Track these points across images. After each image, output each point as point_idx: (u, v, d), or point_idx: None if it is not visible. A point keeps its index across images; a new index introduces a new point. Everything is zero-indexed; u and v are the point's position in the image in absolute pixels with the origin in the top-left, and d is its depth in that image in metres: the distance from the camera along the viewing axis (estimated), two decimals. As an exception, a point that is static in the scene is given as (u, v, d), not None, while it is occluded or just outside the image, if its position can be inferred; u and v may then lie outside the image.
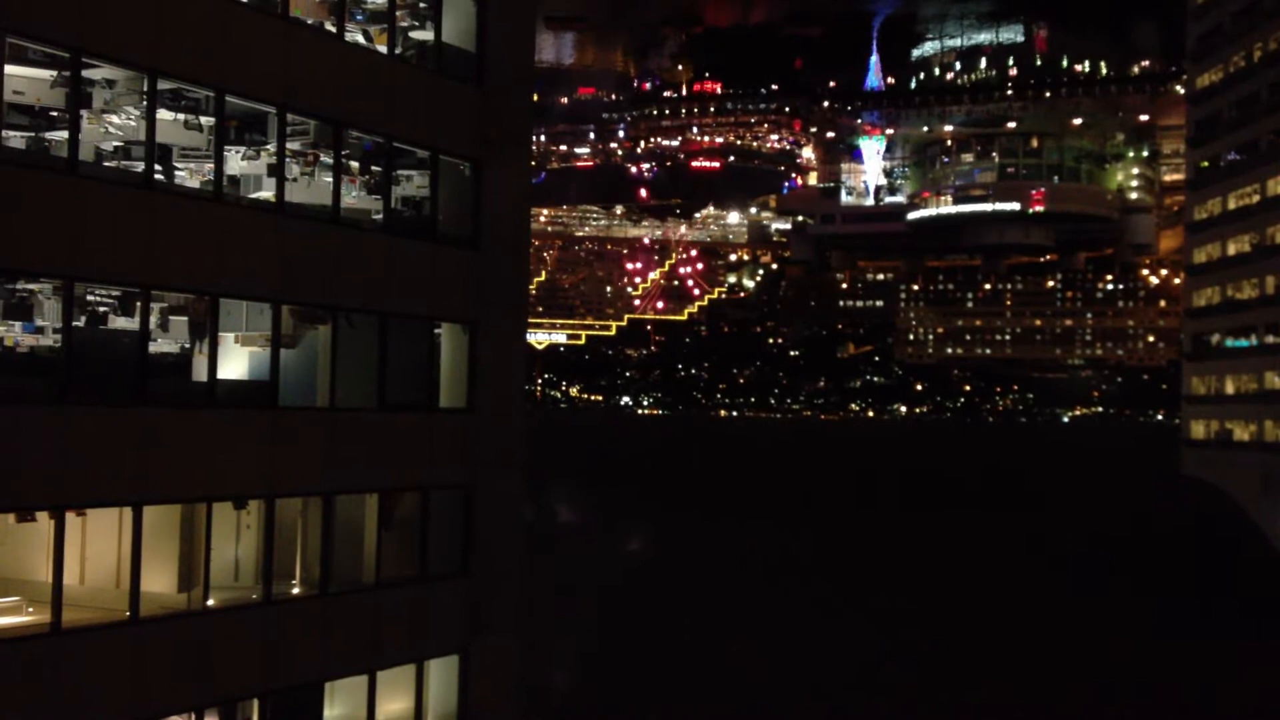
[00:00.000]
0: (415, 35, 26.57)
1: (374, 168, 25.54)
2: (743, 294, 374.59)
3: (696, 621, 68.90)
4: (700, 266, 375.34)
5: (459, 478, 26.44)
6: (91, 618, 20.48)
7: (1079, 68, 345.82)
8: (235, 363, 23.26)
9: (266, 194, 23.69)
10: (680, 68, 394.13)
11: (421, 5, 26.40)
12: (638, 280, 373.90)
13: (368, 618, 24.66)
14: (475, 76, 26.89)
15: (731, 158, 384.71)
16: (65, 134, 20.21)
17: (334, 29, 24.35)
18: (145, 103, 21.04)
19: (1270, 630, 67.80)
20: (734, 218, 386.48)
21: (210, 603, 21.94)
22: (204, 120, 22.64)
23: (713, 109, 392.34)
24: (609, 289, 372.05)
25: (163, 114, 21.74)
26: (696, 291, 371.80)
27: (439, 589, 26.10)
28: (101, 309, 21.63)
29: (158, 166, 21.57)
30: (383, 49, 25.47)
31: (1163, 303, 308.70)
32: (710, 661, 59.84)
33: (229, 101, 22.27)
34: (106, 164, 22.20)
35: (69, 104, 20.13)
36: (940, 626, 69.57)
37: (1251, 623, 69.91)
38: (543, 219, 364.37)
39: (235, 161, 23.68)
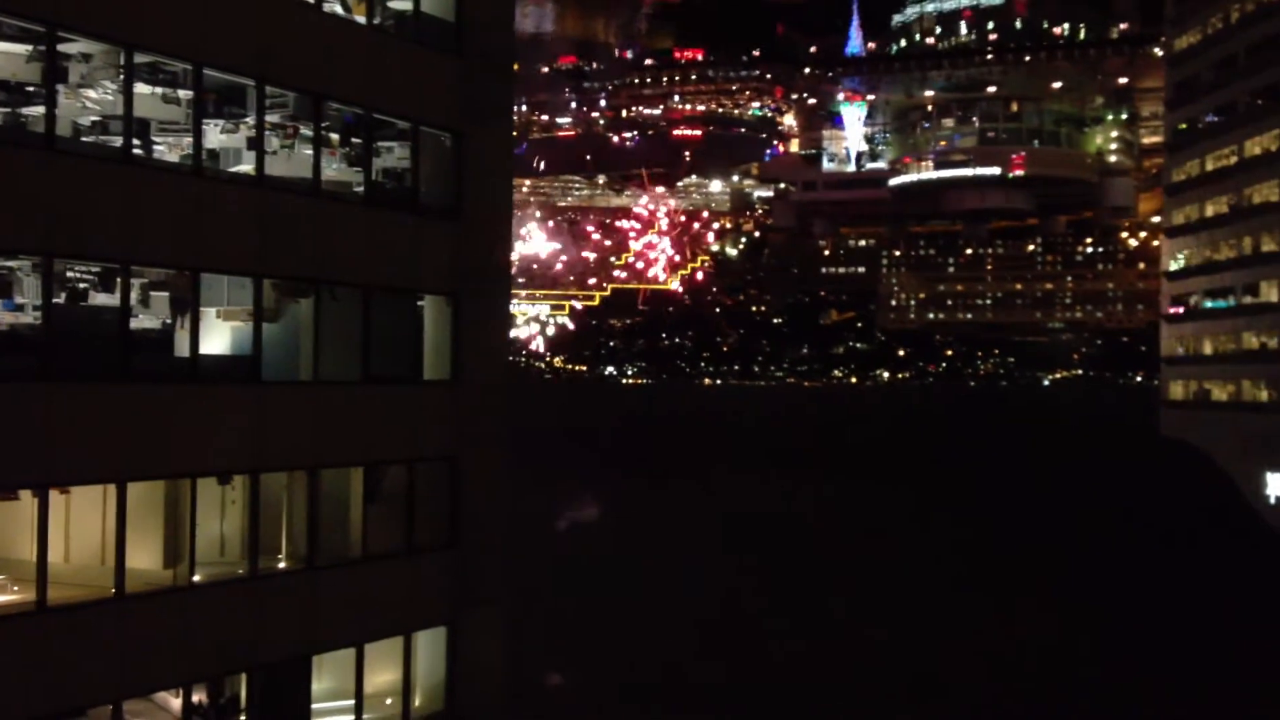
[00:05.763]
0: (394, 5, 26.36)
1: (354, 140, 25.38)
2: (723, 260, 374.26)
3: (684, 598, 69.17)
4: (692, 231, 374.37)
5: (444, 450, 26.44)
6: (77, 595, 20.47)
7: (1058, 31, 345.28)
8: (217, 337, 23.16)
9: (246, 167, 23.53)
10: (648, 34, 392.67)
11: (399, -25, 26.21)
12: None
13: (355, 591, 24.70)
14: (455, 46, 26.71)
15: (712, 126, 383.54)
16: (42, 109, 20.02)
17: (312, 0, 24.14)
18: (122, 77, 20.85)
19: (1247, 588, 68.51)
20: (716, 185, 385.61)
21: (196, 578, 21.93)
22: (182, 94, 22.44)
23: (694, 76, 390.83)
24: (592, 259, 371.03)
25: (140, 88, 21.56)
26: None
27: (425, 561, 26.14)
28: (82, 285, 21.51)
29: (136, 141, 21.38)
30: (361, 19, 25.27)
31: (1142, 265, 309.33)
32: (697, 643, 60.14)
33: (207, 74, 22.08)
34: (84, 139, 22.02)
35: (45, 79, 19.94)
36: (924, 595, 69.96)
37: (1230, 580, 70.60)
38: (524, 189, 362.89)
39: (214, 135, 23.49)
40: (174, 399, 21.69)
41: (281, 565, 23.93)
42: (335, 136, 25.23)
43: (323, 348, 23.99)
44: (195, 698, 22.04)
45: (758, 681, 52.19)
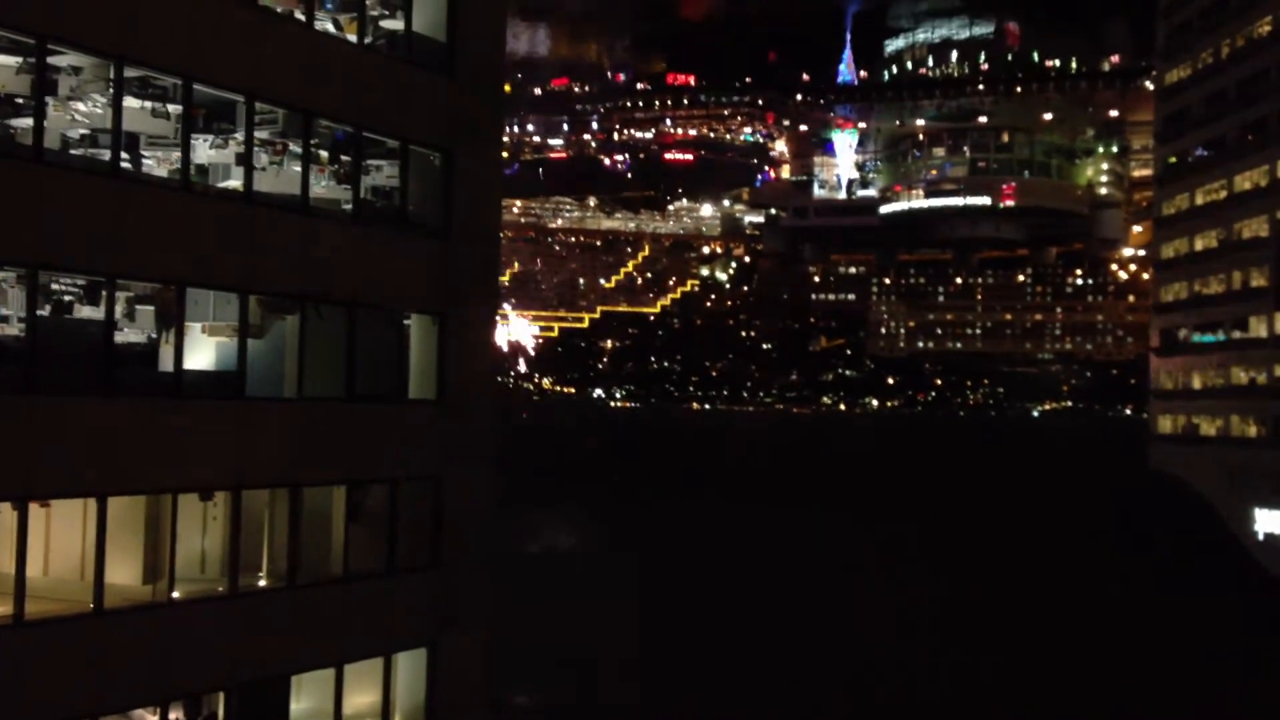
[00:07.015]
0: (385, 24, 26.37)
1: (343, 157, 25.35)
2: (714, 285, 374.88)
3: (670, 619, 69.00)
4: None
5: (428, 469, 26.30)
6: (55, 609, 20.27)
7: (1050, 63, 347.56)
8: (202, 353, 23.05)
9: (235, 183, 23.48)
10: (639, 59, 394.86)
11: (392, -6, 26.25)
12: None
13: (335, 610, 24.51)
14: (446, 66, 26.74)
15: (704, 150, 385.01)
16: (30, 121, 19.96)
17: (303, 17, 24.13)
18: (112, 90, 20.82)
19: (1233, 623, 68.52)
20: (707, 210, 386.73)
21: (176, 595, 21.75)
22: (171, 108, 22.40)
23: (686, 101, 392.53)
24: (582, 281, 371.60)
25: (129, 102, 21.49)
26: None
27: (407, 581, 25.95)
28: (67, 298, 21.40)
29: (124, 155, 21.32)
30: (352, 38, 25.28)
31: (1131, 298, 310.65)
32: (687, 657, 59.94)
33: (197, 89, 22.05)
34: (73, 152, 21.95)
35: (34, 91, 19.87)
36: (901, 630, 69.73)
37: (1216, 616, 70.60)
38: (515, 210, 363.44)
39: (203, 150, 23.45)
40: (157, 414, 21.55)
41: (262, 583, 23.75)
42: (324, 154, 25.19)
43: (307, 365, 23.88)
44: (172, 715, 21.84)
45: (738, 704, 52.02)
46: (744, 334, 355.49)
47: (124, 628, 20.94)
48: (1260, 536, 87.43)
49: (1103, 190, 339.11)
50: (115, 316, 20.95)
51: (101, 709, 20.55)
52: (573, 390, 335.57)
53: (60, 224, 19.98)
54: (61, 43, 20.16)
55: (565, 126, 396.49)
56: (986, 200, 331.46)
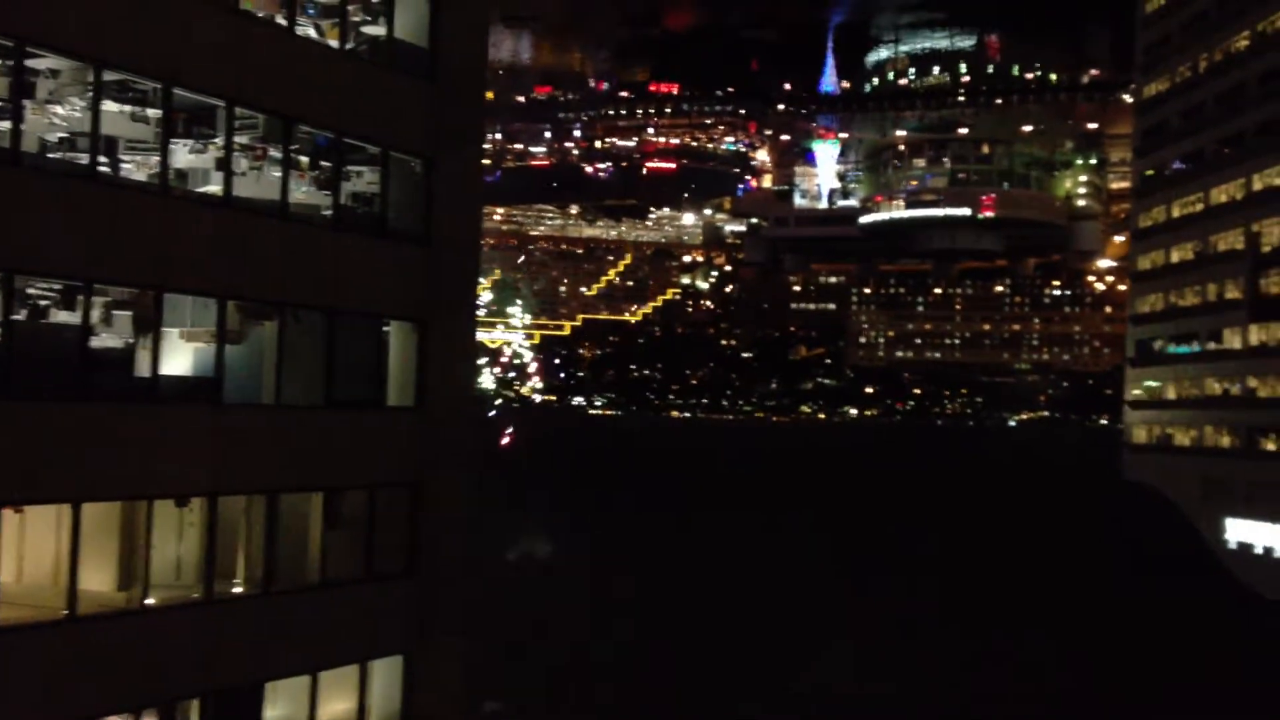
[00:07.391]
0: (367, 30, 26.34)
1: (324, 163, 25.28)
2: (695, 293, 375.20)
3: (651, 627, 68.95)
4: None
5: (406, 476, 26.24)
6: (28, 616, 20.16)
7: (1030, 75, 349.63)
8: (180, 358, 22.94)
9: (214, 188, 23.38)
10: (622, 68, 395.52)
11: (374, 0, 26.22)
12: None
13: (311, 618, 24.41)
14: (428, 72, 26.72)
15: (686, 159, 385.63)
16: (8, 124, 19.85)
17: (285, 22, 24.08)
18: (91, 94, 20.73)
19: (1204, 634, 68.86)
20: (689, 219, 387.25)
21: (150, 601, 21.64)
22: (151, 112, 22.31)
23: (669, 110, 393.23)
24: (563, 288, 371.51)
25: (109, 106, 21.41)
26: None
27: (384, 589, 25.88)
28: (43, 303, 21.27)
29: (103, 159, 21.23)
30: (334, 44, 25.24)
31: (1108, 309, 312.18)
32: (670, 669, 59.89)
33: (177, 94, 21.98)
34: (50, 155, 21.84)
35: (12, 94, 19.77)
36: (900, 629, 69.87)
37: (1187, 626, 70.94)
38: (497, 218, 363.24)
39: (183, 155, 23.34)
40: (133, 419, 21.44)
41: (238, 590, 23.64)
42: (305, 159, 25.11)
43: (286, 371, 23.81)
44: (146, 722, 21.72)
45: (722, 711, 52.03)
46: (724, 342, 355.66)
47: (98, 634, 20.82)
48: (1232, 545, 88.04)
49: (1081, 202, 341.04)
50: (92, 321, 20.84)
51: (73, 716, 20.40)
52: (553, 398, 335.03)
53: (37, 228, 19.88)
54: (40, 46, 20.06)
55: (547, 134, 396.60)
56: (966, 211, 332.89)
